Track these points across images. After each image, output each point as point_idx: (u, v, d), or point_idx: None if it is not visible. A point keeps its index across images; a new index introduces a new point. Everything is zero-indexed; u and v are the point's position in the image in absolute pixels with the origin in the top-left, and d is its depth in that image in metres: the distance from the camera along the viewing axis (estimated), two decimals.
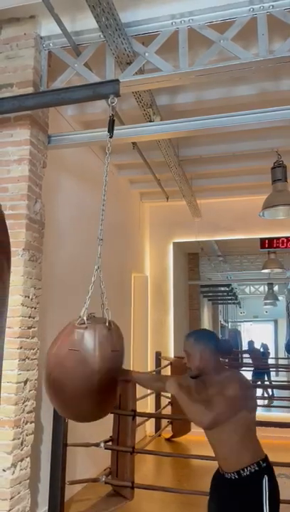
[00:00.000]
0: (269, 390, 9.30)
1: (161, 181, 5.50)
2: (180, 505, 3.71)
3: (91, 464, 4.22)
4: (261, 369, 10.27)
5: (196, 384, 2.08)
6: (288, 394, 8.61)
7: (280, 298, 13.15)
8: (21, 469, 2.69)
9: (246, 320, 18.00)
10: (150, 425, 6.12)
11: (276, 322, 17.59)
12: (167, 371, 6.25)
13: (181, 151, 4.80)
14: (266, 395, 8.65)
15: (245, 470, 1.90)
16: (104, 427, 3.94)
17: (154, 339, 6.74)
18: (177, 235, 7.03)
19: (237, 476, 1.92)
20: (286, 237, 6.51)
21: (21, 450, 2.69)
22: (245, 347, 12.95)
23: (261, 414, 7.57)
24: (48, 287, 3.36)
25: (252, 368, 10.34)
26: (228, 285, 12.62)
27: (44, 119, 3.10)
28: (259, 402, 8.63)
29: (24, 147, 2.88)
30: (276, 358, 14.43)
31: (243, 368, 10.60)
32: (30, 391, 2.79)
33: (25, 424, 2.73)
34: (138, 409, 4.01)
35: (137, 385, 4.00)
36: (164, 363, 6.31)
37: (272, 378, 10.38)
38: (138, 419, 4.16)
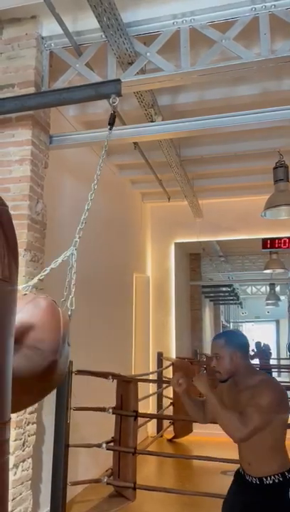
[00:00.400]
0: None
1: (163, 181, 5.49)
2: (182, 506, 3.70)
3: (93, 465, 4.21)
4: (267, 369, 10.27)
5: (227, 387, 2.00)
6: None
7: (282, 298, 13.15)
8: (23, 470, 2.68)
9: (248, 320, 17.99)
10: (152, 426, 6.11)
11: (277, 322, 17.59)
12: (169, 372, 6.25)
13: (183, 151, 4.80)
14: None
15: (268, 479, 1.84)
16: (106, 427, 3.94)
17: (156, 339, 6.74)
18: (178, 235, 7.03)
19: (258, 482, 1.86)
20: (288, 238, 6.49)
21: (23, 451, 2.68)
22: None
23: None
24: (49, 288, 3.35)
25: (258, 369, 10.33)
26: (230, 285, 12.61)
27: (46, 120, 3.10)
28: None
29: (26, 147, 2.88)
30: (278, 359, 14.42)
31: None
32: None
33: (27, 425, 2.72)
34: (140, 410, 4.00)
35: (138, 386, 4.01)
36: (166, 363, 6.30)
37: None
38: (140, 420, 4.16)
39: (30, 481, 2.76)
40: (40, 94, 2.86)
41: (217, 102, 3.69)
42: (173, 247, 7.08)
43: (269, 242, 6.50)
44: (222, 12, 2.71)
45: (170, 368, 6.25)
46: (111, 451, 3.89)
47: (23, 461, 2.68)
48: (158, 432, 6.02)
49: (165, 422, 6.15)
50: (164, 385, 6.23)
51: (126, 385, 3.89)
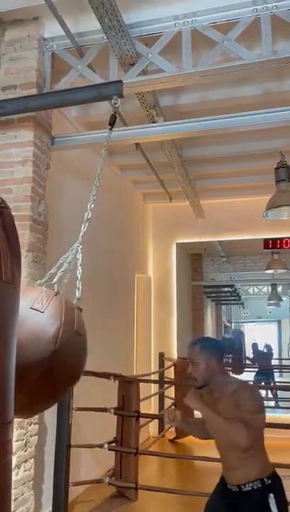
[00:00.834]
0: (273, 391, 9.27)
1: (164, 182, 5.49)
2: (184, 507, 3.71)
3: (95, 465, 4.22)
4: (265, 370, 10.25)
5: (203, 395, 2.01)
6: None
7: (284, 298, 13.14)
8: (25, 470, 2.69)
9: (249, 320, 17.98)
10: (153, 426, 6.11)
11: (279, 323, 17.57)
12: (170, 372, 6.26)
13: (184, 152, 4.80)
14: (270, 395, 8.62)
15: (247, 485, 1.82)
16: (108, 428, 3.94)
17: (157, 340, 6.74)
18: (180, 235, 7.03)
19: (237, 489, 1.85)
20: None
21: (25, 451, 2.69)
22: (248, 348, 12.87)
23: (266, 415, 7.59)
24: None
25: (256, 370, 10.32)
26: (231, 286, 12.61)
27: (47, 121, 3.10)
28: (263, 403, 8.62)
29: (28, 148, 2.89)
30: (280, 359, 14.40)
31: (246, 369, 10.61)
32: None
33: (29, 425, 2.73)
34: (142, 410, 4.01)
35: (139, 386, 4.01)
36: (167, 363, 6.30)
37: (276, 379, 10.36)
38: (142, 420, 4.16)
39: (32, 482, 2.76)
40: (42, 96, 2.86)
41: (218, 102, 3.69)
42: (174, 247, 7.08)
43: (270, 242, 6.50)
44: (224, 13, 2.71)
45: (172, 368, 6.25)
46: (113, 452, 3.90)
47: (25, 461, 2.69)
48: (159, 433, 6.02)
49: None
50: (166, 386, 6.24)
51: (128, 386, 3.90)
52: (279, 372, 11.80)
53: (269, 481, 1.83)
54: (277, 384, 10.10)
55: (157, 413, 6.08)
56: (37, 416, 2.83)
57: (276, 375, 11.11)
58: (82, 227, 2.00)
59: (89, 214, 2.03)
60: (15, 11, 2.90)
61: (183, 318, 7.58)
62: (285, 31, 2.69)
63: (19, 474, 2.62)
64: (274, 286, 11.96)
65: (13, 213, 2.87)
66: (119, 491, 3.87)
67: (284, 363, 13.28)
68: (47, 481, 3.32)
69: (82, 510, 3.66)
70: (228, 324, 17.17)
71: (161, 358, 6.37)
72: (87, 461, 4.07)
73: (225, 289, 12.90)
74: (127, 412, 3.82)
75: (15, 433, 2.59)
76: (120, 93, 2.55)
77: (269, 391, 9.29)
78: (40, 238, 2.91)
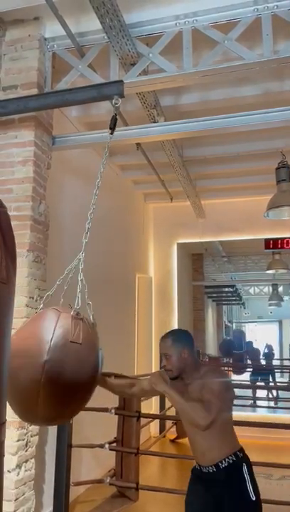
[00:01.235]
0: (273, 391, 9.26)
1: (165, 182, 5.49)
2: (184, 507, 3.70)
3: (95, 465, 4.22)
4: (260, 370, 10.26)
5: (175, 383, 2.08)
6: None
7: (285, 298, 13.13)
8: (26, 470, 2.69)
9: (250, 321, 17.96)
10: (154, 426, 6.11)
11: (280, 323, 17.55)
12: None
13: (185, 152, 4.80)
14: (271, 396, 8.62)
15: (223, 462, 1.95)
16: (109, 428, 3.94)
17: (158, 340, 6.71)
18: (181, 235, 7.02)
19: (215, 469, 1.96)
20: None
21: (26, 451, 2.69)
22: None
23: (265, 415, 7.59)
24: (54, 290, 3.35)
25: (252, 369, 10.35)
26: (232, 286, 12.61)
27: (48, 121, 3.10)
28: (264, 403, 8.64)
29: (28, 148, 2.89)
30: (281, 359, 14.39)
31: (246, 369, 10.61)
32: None
33: (30, 425, 2.73)
34: (143, 410, 4.00)
35: None
36: None
37: (277, 380, 10.35)
38: (143, 420, 4.16)
39: (33, 481, 2.76)
40: (42, 96, 2.86)
41: (219, 102, 3.69)
42: (175, 247, 7.07)
43: (271, 242, 6.49)
44: (225, 13, 2.71)
45: None
46: (114, 452, 3.90)
47: (26, 461, 2.69)
48: (160, 433, 6.02)
49: (168, 423, 6.15)
50: None
51: None
52: (280, 372, 11.78)
53: (241, 454, 2.00)
54: (277, 384, 10.09)
55: (158, 413, 6.08)
56: None
57: (278, 375, 11.10)
58: (84, 238, 2.01)
59: (90, 224, 2.04)
60: (16, 10, 2.90)
61: (183, 318, 7.57)
62: (286, 31, 2.69)
63: (20, 474, 2.62)
64: (274, 286, 11.95)
65: (14, 213, 2.89)
66: (119, 491, 3.86)
67: (285, 363, 13.28)
68: (48, 480, 3.32)
69: (83, 510, 3.66)
70: (229, 324, 17.16)
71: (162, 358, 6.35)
72: (87, 461, 4.07)
73: (226, 289, 12.90)
74: (128, 412, 3.82)
75: (16, 433, 2.59)
76: (121, 93, 2.55)
77: (270, 391, 9.29)
78: (40, 238, 2.91)
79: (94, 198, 2.06)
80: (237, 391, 7.00)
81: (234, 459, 1.97)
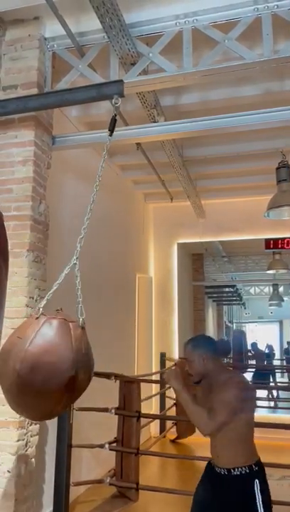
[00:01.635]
0: (274, 392, 9.26)
1: (165, 182, 5.49)
2: (184, 507, 3.67)
3: (95, 465, 4.21)
4: (264, 370, 10.24)
5: (202, 388, 2.10)
6: None
7: (285, 299, 13.11)
8: (26, 470, 2.68)
9: (251, 321, 17.94)
10: (154, 426, 6.10)
11: (281, 323, 17.54)
12: None
13: (185, 152, 4.80)
14: (271, 396, 8.60)
15: (236, 470, 1.95)
16: (109, 428, 3.94)
17: (158, 340, 6.73)
18: (181, 235, 7.02)
19: (226, 473, 1.97)
20: None
21: (26, 451, 2.68)
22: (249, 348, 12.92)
23: (266, 415, 7.57)
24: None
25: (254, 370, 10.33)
26: (233, 286, 12.59)
27: (48, 120, 3.10)
28: (264, 403, 8.62)
29: (28, 148, 2.89)
30: (282, 360, 14.37)
31: (247, 370, 10.59)
32: None
33: (30, 425, 2.73)
34: (143, 411, 4.00)
35: (140, 386, 4.00)
36: (169, 364, 6.30)
37: (278, 380, 10.34)
38: (143, 421, 4.15)
39: (33, 482, 2.76)
40: (42, 95, 2.86)
41: (219, 102, 3.69)
42: (175, 247, 7.07)
43: (272, 242, 6.49)
44: (225, 12, 2.71)
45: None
46: (114, 452, 3.90)
47: (26, 461, 2.69)
48: (161, 433, 6.02)
49: (168, 423, 6.14)
50: (167, 386, 6.23)
51: (129, 386, 3.89)
52: (281, 372, 11.77)
53: (256, 468, 1.98)
54: (278, 384, 10.08)
55: (158, 413, 6.08)
56: None
57: (278, 375, 11.09)
58: (78, 242, 2.00)
59: (86, 229, 2.03)
60: (16, 10, 2.90)
61: (184, 318, 7.57)
62: (286, 31, 2.69)
63: (20, 474, 2.62)
64: (275, 286, 11.93)
65: (14, 213, 2.89)
66: (119, 491, 3.86)
67: (285, 363, 13.27)
68: (48, 480, 3.32)
69: (83, 510, 3.66)
70: (229, 325, 17.14)
71: (163, 358, 6.36)
72: (87, 461, 4.06)
73: (226, 290, 12.89)
74: (128, 412, 3.82)
75: (16, 433, 2.59)
76: (121, 93, 2.55)
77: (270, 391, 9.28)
78: (40, 238, 2.91)
79: (90, 204, 2.06)
80: None
81: (248, 470, 1.95)
